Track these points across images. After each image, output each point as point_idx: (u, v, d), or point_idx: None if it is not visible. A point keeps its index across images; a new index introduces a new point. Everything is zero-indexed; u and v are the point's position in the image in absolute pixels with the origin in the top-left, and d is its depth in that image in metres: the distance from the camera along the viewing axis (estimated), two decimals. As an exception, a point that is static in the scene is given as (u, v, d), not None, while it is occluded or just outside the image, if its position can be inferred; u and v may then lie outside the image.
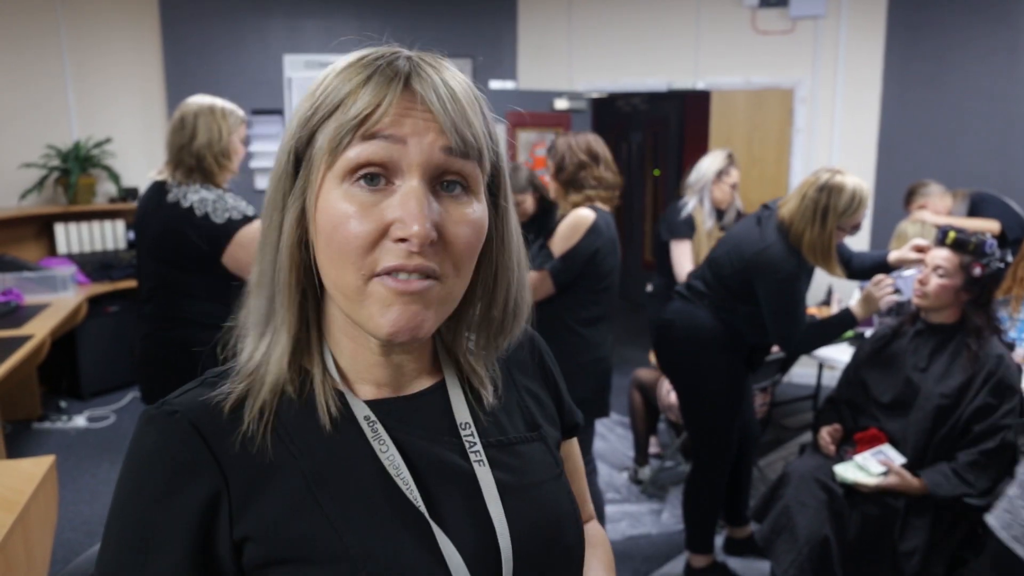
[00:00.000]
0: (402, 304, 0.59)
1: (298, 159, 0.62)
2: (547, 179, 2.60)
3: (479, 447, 0.69)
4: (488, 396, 0.72)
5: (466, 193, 0.62)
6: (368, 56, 0.61)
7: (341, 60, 0.63)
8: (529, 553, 0.67)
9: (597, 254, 2.39)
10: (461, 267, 0.62)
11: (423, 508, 0.63)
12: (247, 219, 2.13)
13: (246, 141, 2.28)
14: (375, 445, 0.64)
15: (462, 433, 0.69)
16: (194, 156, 2.12)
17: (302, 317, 0.65)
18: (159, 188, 2.19)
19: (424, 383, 0.70)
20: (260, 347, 0.65)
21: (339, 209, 0.58)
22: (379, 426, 0.65)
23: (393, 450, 0.64)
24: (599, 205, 2.48)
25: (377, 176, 0.59)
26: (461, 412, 0.70)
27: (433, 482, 0.65)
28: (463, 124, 0.60)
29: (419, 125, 0.58)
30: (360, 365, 0.67)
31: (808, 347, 2.49)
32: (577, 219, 2.40)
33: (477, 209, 0.62)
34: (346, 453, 0.63)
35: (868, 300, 2.33)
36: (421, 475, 0.65)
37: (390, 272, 0.58)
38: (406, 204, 0.57)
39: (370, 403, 0.66)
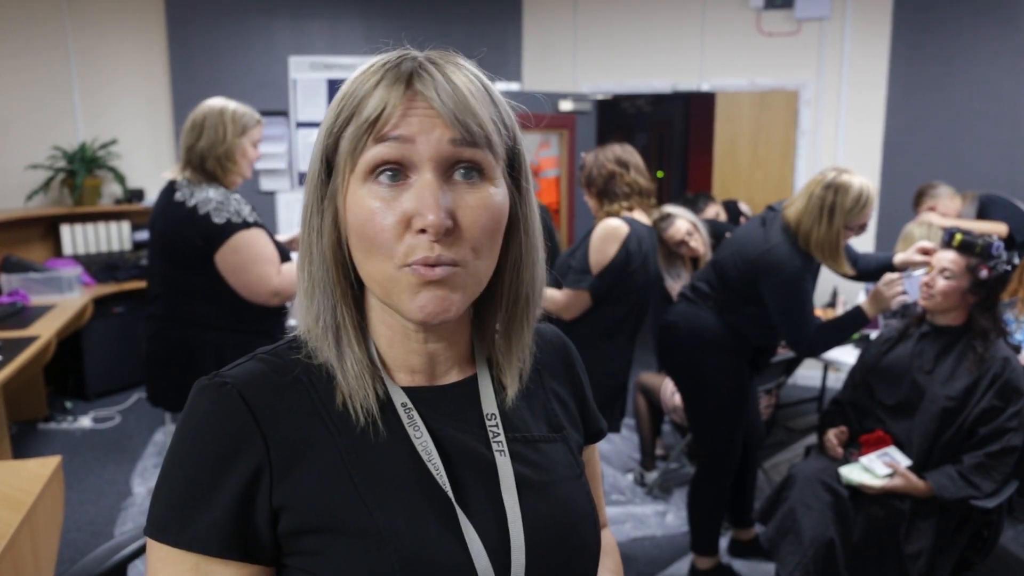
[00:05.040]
0: (429, 290, 0.63)
1: (328, 164, 0.66)
2: (587, 199, 2.57)
3: (502, 438, 0.72)
4: (511, 385, 0.74)
5: (482, 179, 0.65)
6: (380, 61, 0.66)
7: (364, 65, 0.67)
8: (544, 547, 0.69)
9: (628, 266, 2.36)
10: (481, 250, 0.65)
11: (450, 493, 0.66)
12: (246, 224, 2.13)
13: (259, 144, 2.27)
14: (410, 431, 0.68)
15: (487, 424, 0.72)
16: (198, 157, 2.14)
17: (358, 309, 0.70)
18: (169, 187, 2.21)
19: (457, 375, 0.74)
20: (321, 335, 0.69)
21: (365, 206, 0.63)
22: (415, 412, 0.69)
23: (426, 436, 0.68)
24: (637, 216, 2.44)
25: (395, 172, 0.63)
26: (488, 403, 0.73)
27: (460, 469, 0.69)
28: (466, 115, 0.63)
29: (425, 122, 0.62)
30: (397, 352, 0.71)
31: (821, 347, 2.45)
32: (609, 231, 2.36)
33: (494, 193, 0.66)
34: (382, 435, 0.67)
35: (878, 297, 2.32)
36: (450, 461, 0.68)
37: (420, 263, 0.62)
38: (421, 196, 0.62)
39: (406, 389, 0.70)
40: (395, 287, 0.64)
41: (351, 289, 0.69)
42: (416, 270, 0.62)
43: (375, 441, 0.67)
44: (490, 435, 0.71)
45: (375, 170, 0.63)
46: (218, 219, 2.11)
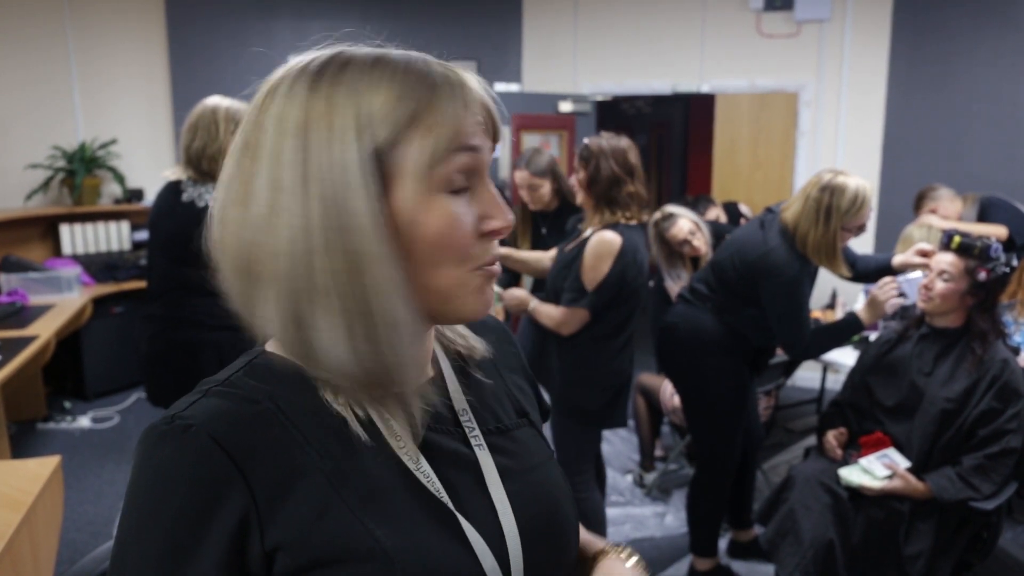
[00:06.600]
0: (489, 286, 0.66)
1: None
2: (573, 181, 2.48)
3: (478, 432, 0.71)
4: (478, 348, 0.77)
5: None
6: (412, 63, 0.62)
7: (369, 65, 0.62)
8: (535, 532, 0.70)
9: (624, 277, 2.32)
10: None
11: (446, 499, 0.64)
12: None
13: None
14: (392, 442, 0.64)
15: (461, 419, 0.71)
16: (196, 157, 2.15)
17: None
18: (173, 188, 2.20)
19: (423, 377, 0.71)
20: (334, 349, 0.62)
21: (448, 214, 0.61)
22: (393, 422, 0.65)
23: (410, 443, 0.65)
24: (628, 221, 2.39)
25: (467, 179, 0.64)
26: (459, 399, 0.72)
27: (447, 472, 0.67)
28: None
29: (483, 132, 0.64)
30: None
31: (815, 352, 2.49)
32: (603, 247, 2.31)
33: None
34: (364, 451, 0.63)
35: (873, 304, 2.32)
36: (437, 465, 0.66)
37: (491, 263, 0.65)
38: (492, 201, 0.65)
39: None
40: (461, 291, 0.64)
41: None
42: (486, 270, 0.65)
43: (359, 459, 0.63)
44: (466, 430, 0.70)
45: (452, 179, 0.61)
46: None
